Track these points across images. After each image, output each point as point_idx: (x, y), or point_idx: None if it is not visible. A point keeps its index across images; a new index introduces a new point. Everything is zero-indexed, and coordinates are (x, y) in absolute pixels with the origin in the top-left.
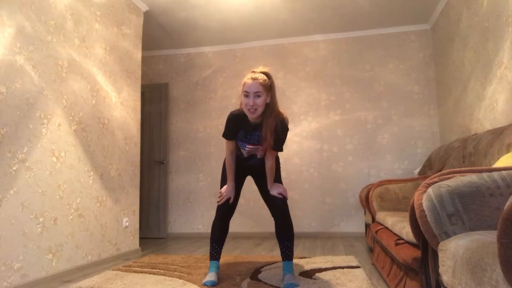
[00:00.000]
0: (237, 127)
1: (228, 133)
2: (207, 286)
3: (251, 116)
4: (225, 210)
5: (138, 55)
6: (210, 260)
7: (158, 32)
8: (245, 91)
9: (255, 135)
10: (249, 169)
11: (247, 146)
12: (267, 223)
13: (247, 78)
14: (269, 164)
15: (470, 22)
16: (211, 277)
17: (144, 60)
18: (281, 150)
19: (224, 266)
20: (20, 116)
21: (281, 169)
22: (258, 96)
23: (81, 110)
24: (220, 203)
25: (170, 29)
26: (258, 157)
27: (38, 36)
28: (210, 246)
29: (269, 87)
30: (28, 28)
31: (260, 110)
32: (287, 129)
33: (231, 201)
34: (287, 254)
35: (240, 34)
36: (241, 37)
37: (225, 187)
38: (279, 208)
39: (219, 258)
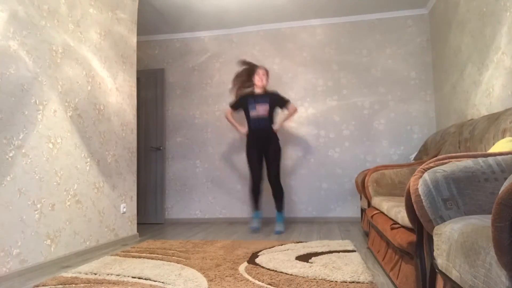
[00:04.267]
0: (245, 100)
1: (236, 104)
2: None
3: (259, 85)
4: (257, 179)
5: (133, 40)
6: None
7: (153, 16)
8: (257, 72)
9: (261, 99)
10: (260, 140)
11: (256, 105)
12: (265, 209)
13: (258, 68)
14: (291, 111)
15: (467, 6)
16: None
17: (139, 45)
18: (287, 100)
19: (222, 250)
20: (15, 102)
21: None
22: (263, 75)
23: (76, 96)
24: (244, 132)
25: (165, 13)
26: (264, 115)
27: (31, 20)
28: (251, 201)
29: (267, 73)
30: (21, 12)
31: (265, 83)
32: (277, 93)
33: (244, 131)
34: (278, 206)
35: (236, 18)
36: (237, 22)
37: (243, 128)
38: (273, 182)
39: (259, 208)
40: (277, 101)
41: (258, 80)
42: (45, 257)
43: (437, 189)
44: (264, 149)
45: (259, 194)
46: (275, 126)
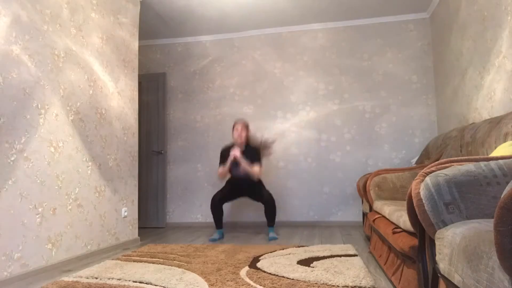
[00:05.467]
0: (228, 154)
1: (221, 161)
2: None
3: (239, 142)
4: (220, 202)
5: (135, 44)
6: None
7: (155, 21)
8: (236, 128)
9: (244, 155)
10: (241, 188)
11: (239, 168)
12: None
13: (235, 122)
14: (252, 169)
15: (468, 10)
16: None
17: (141, 49)
18: (259, 164)
19: (223, 255)
20: (17, 106)
21: (279, 158)
22: (243, 130)
23: (78, 100)
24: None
25: (167, 18)
26: (247, 174)
27: (34, 25)
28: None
29: (247, 126)
30: (24, 17)
31: (243, 139)
32: (259, 152)
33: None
34: (270, 223)
35: (237, 23)
36: (238, 26)
37: (236, 152)
38: (266, 201)
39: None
40: (254, 158)
41: (238, 136)
42: (46, 261)
43: (439, 193)
44: (245, 193)
45: (221, 214)
46: (235, 152)
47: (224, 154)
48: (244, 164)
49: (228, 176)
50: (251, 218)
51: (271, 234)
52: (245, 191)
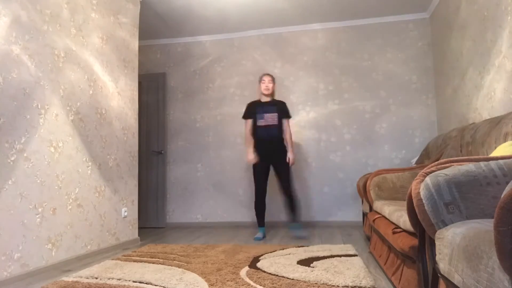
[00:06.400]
0: (253, 108)
1: (246, 114)
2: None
3: (266, 93)
4: (260, 192)
5: (135, 44)
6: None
7: (155, 21)
8: (262, 79)
9: (270, 108)
10: (269, 151)
11: (265, 115)
12: (266, 213)
13: (262, 75)
14: (287, 136)
15: (468, 10)
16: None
17: (141, 49)
18: (290, 116)
19: (223, 255)
20: (17, 106)
21: None
22: (270, 83)
23: (78, 100)
24: (253, 162)
25: (167, 18)
26: (273, 125)
27: (34, 25)
28: (256, 217)
29: (274, 79)
30: (24, 17)
31: (271, 90)
32: (285, 103)
33: (255, 161)
34: (293, 218)
35: (237, 23)
36: (238, 26)
37: (251, 155)
38: (285, 191)
39: (264, 224)
40: (283, 111)
41: (265, 88)
42: (46, 261)
43: (439, 193)
44: (272, 159)
45: (264, 210)
46: (291, 160)
47: (249, 108)
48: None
49: (253, 159)
50: (250, 218)
51: (298, 232)
52: (272, 157)
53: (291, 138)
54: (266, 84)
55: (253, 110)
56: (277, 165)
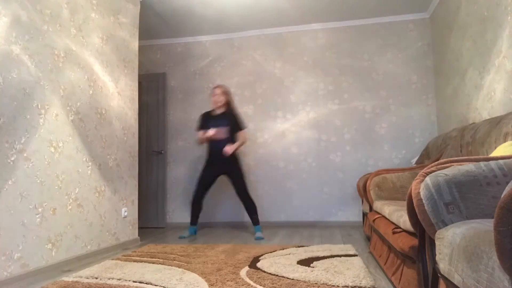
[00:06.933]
0: (205, 121)
1: (199, 126)
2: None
3: (216, 106)
4: (198, 195)
5: (135, 44)
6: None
7: (155, 21)
8: (214, 92)
9: (221, 121)
10: (219, 163)
11: (216, 129)
12: (265, 213)
13: (214, 87)
14: (240, 141)
15: (468, 10)
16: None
17: (141, 49)
18: (244, 127)
19: (223, 255)
20: (17, 106)
21: (279, 158)
22: (221, 95)
23: (78, 100)
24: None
25: (167, 18)
26: (224, 138)
27: (34, 25)
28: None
29: (226, 91)
30: (24, 17)
31: (223, 102)
32: (238, 114)
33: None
34: (254, 221)
35: (237, 22)
36: (238, 26)
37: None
38: (242, 197)
39: (196, 223)
40: (235, 124)
41: (215, 101)
42: (46, 261)
43: (439, 193)
44: (223, 171)
45: (199, 209)
46: (228, 149)
47: (202, 119)
48: (219, 133)
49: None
50: (249, 219)
51: (258, 234)
52: (223, 168)
53: (241, 143)
54: (217, 97)
55: (205, 122)
56: (230, 176)
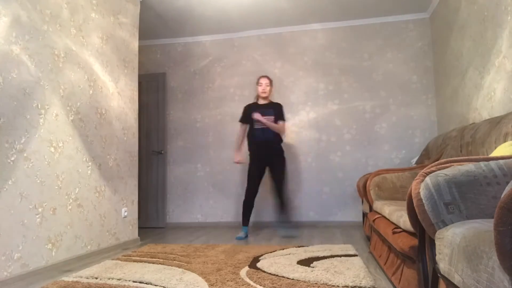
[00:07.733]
0: (251, 111)
1: (243, 118)
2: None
3: (263, 96)
4: (252, 193)
5: (135, 44)
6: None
7: (155, 21)
8: (259, 82)
9: (267, 111)
10: (265, 153)
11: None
12: (265, 213)
13: (260, 77)
14: (279, 129)
15: (468, 10)
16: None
17: (141, 49)
18: (285, 119)
19: (223, 255)
20: (17, 106)
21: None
22: (267, 86)
23: (78, 100)
24: (238, 163)
25: (167, 18)
26: (268, 128)
27: (34, 25)
28: (242, 216)
29: (271, 81)
30: (24, 17)
31: (268, 93)
32: (282, 105)
33: (240, 160)
34: (283, 221)
35: (237, 23)
36: (238, 26)
37: (238, 157)
38: (278, 193)
39: (248, 224)
40: (279, 114)
41: (262, 91)
42: (46, 261)
43: (439, 193)
44: (268, 162)
45: (251, 208)
46: (258, 116)
47: (246, 111)
48: (267, 123)
49: (239, 159)
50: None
51: (288, 232)
52: (268, 158)
53: (280, 131)
54: (263, 87)
55: (250, 113)
56: (273, 167)
